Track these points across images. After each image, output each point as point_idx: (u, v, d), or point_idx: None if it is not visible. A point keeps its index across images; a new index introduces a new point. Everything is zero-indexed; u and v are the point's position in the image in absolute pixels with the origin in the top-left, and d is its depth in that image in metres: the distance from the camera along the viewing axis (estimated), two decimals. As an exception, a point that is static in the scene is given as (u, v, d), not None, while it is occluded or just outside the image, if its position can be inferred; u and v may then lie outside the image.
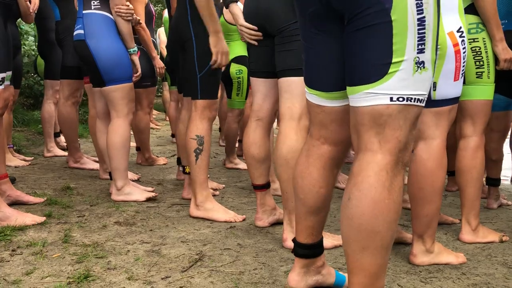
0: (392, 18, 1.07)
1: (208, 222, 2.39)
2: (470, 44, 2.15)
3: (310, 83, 1.37)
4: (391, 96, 1.10)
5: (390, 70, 1.09)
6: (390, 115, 1.11)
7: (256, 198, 2.33)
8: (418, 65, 1.09)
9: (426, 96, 1.15)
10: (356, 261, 1.17)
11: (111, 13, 2.71)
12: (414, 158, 1.89)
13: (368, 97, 1.12)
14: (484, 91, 2.16)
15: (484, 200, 2.85)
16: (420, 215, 1.86)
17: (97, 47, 2.66)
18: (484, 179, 2.60)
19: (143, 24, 3.68)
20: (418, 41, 1.09)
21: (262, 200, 2.31)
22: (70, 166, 3.75)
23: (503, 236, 2.24)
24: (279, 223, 2.33)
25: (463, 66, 1.80)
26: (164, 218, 2.46)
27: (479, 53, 2.15)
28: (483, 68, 2.15)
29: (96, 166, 3.69)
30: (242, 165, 3.96)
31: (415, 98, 1.11)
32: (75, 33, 2.76)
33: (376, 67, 1.10)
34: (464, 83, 1.90)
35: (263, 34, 2.14)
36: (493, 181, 2.87)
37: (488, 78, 2.16)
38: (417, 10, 1.07)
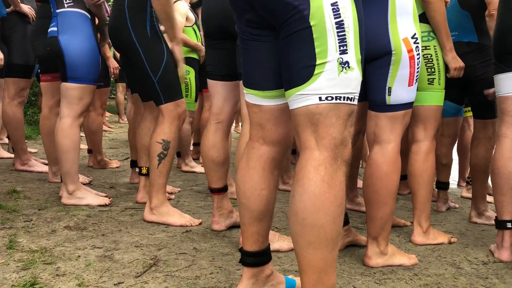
0: (311, 24, 1.15)
1: (163, 227, 2.34)
2: (422, 51, 2.21)
3: (247, 83, 1.42)
4: (320, 96, 1.16)
5: (315, 72, 1.16)
6: (321, 113, 1.17)
7: (213, 202, 2.30)
8: (343, 65, 1.16)
9: (357, 94, 1.20)
10: (304, 257, 1.20)
11: (85, 10, 2.65)
12: (369, 162, 1.92)
13: (300, 98, 1.19)
14: (435, 97, 2.24)
15: (434, 203, 2.94)
16: (374, 218, 1.90)
17: (68, 43, 2.57)
18: (434, 182, 2.68)
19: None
20: (339, 43, 1.16)
21: (220, 203, 2.29)
22: (17, 168, 3.58)
23: (452, 237, 2.32)
24: (235, 226, 2.31)
25: (417, 72, 1.85)
26: (117, 223, 2.38)
27: (430, 60, 2.23)
28: (435, 75, 2.23)
29: (45, 168, 3.54)
30: (198, 168, 3.92)
31: (344, 97, 1.17)
32: (49, 30, 2.68)
33: (303, 69, 1.17)
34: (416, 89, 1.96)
35: (224, 36, 2.13)
36: (443, 185, 2.98)
37: (439, 84, 2.24)
38: (334, 15, 1.15)
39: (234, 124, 6.98)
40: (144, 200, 2.68)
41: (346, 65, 1.16)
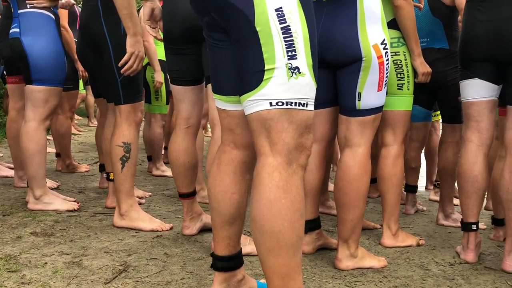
0: (257, 29, 1.15)
1: (133, 232, 2.30)
2: (392, 57, 2.26)
3: (214, 89, 1.42)
4: (270, 101, 1.17)
5: (265, 77, 1.16)
6: (272, 119, 1.17)
7: (183, 207, 2.28)
8: (292, 70, 1.16)
9: (311, 100, 1.20)
10: (266, 264, 1.20)
11: (49, 11, 2.59)
12: (340, 165, 1.95)
13: (252, 104, 1.19)
14: (404, 102, 2.28)
15: (403, 206, 3.00)
16: (345, 220, 1.92)
17: (31, 44, 2.51)
18: (402, 186, 2.74)
19: (66, 25, 3.51)
20: (286, 48, 1.15)
21: (190, 208, 2.28)
22: (-19, 173, 3.47)
23: (420, 240, 2.37)
24: (207, 230, 2.30)
25: (386, 77, 1.89)
26: (86, 228, 2.33)
27: (400, 66, 2.27)
28: (404, 80, 2.27)
29: (10, 173, 3.44)
30: (169, 172, 3.89)
31: (295, 102, 1.17)
32: (10, 31, 2.61)
33: (253, 75, 1.18)
34: (386, 94, 2.00)
35: (189, 41, 2.11)
36: (411, 188, 3.04)
37: (408, 90, 2.29)
38: (279, 20, 1.15)
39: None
40: (114, 205, 2.63)
41: (296, 70, 1.16)
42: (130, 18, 2.19)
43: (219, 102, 1.42)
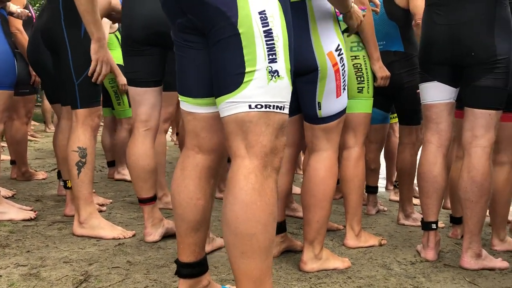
0: (240, 31, 1.15)
1: (94, 240, 2.24)
2: (352, 61, 2.30)
3: (181, 90, 1.40)
4: (250, 103, 1.16)
5: (245, 79, 1.16)
6: (251, 121, 1.17)
7: (144, 213, 2.24)
8: (272, 74, 1.17)
9: (287, 103, 1.21)
10: (238, 267, 1.19)
11: None
12: (308, 168, 1.97)
13: (230, 106, 1.18)
14: (364, 105, 2.32)
15: (364, 207, 3.05)
16: (311, 221, 1.93)
17: None
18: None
19: (20, 27, 3.39)
20: (268, 51, 1.16)
21: (150, 214, 2.23)
22: None
23: (382, 239, 2.41)
24: (170, 236, 2.26)
25: (344, 81, 1.91)
26: (43, 238, 2.25)
27: (360, 69, 2.31)
28: (364, 83, 2.31)
29: (-39, 182, 3.28)
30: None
31: (274, 105, 1.18)
32: None
33: (233, 77, 1.17)
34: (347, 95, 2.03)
35: (151, 43, 2.09)
36: (372, 189, 3.10)
37: (368, 93, 2.33)
38: (262, 23, 1.15)
39: (170, 131, 6.87)
40: (73, 213, 2.55)
41: (276, 74, 1.17)
42: (94, 24, 2.15)
43: (185, 104, 1.40)
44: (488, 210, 2.22)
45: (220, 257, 2.07)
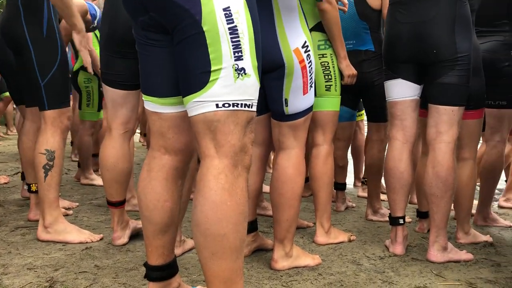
0: (204, 29, 1.13)
1: (59, 245, 2.18)
2: (319, 59, 2.32)
3: (145, 90, 1.38)
4: (217, 102, 1.15)
5: (211, 78, 1.15)
6: (219, 120, 1.16)
7: (114, 216, 2.19)
8: (239, 71, 1.15)
9: (255, 101, 1.21)
10: (209, 268, 1.18)
11: None
12: (275, 166, 1.97)
13: (197, 105, 1.17)
14: (332, 103, 2.34)
15: (333, 204, 3.08)
16: (281, 220, 1.94)
17: None
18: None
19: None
20: (233, 49, 1.15)
21: (121, 217, 2.19)
22: None
23: (351, 235, 2.44)
24: (139, 239, 2.23)
25: (311, 78, 1.92)
26: (6, 244, 2.17)
27: (327, 68, 2.33)
28: (331, 81, 2.33)
29: None
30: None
31: (241, 104, 1.17)
32: None
33: (199, 76, 1.15)
34: (315, 95, 2.04)
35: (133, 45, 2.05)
36: (340, 186, 3.13)
37: (336, 91, 2.35)
38: (227, 20, 1.14)
39: (138, 133, 6.77)
40: (37, 217, 2.48)
41: (242, 71, 1.15)
42: (73, 16, 2.10)
43: (149, 104, 1.37)
44: (452, 204, 2.28)
45: (190, 258, 2.05)
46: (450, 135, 2.09)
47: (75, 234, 2.24)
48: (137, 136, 7.29)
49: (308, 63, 1.88)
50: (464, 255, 2.16)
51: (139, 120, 3.17)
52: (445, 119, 2.08)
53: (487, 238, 2.48)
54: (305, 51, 1.86)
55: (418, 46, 2.08)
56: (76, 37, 2.15)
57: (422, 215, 2.62)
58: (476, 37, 2.34)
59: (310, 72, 1.89)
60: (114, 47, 2.08)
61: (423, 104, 2.27)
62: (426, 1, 2.05)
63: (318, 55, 2.31)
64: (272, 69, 1.86)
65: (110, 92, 2.14)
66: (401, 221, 2.24)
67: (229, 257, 1.17)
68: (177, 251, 2.02)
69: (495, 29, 2.42)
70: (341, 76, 2.38)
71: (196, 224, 1.17)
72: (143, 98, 1.40)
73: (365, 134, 3.44)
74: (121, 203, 2.18)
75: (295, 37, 1.85)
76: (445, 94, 2.07)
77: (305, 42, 1.87)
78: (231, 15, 1.14)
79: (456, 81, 2.05)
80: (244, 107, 1.17)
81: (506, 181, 4.17)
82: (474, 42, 2.27)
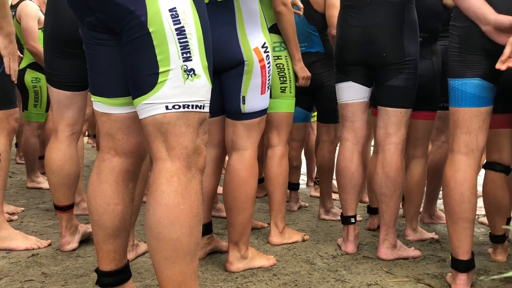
0: (150, 30, 1.12)
1: (3, 253, 2.07)
2: (274, 61, 2.34)
3: (94, 90, 1.35)
4: (166, 104, 1.14)
5: (159, 80, 1.14)
6: (169, 123, 1.15)
7: (62, 221, 2.11)
8: (188, 72, 1.15)
9: (207, 102, 1.20)
10: (162, 273, 1.16)
11: None
12: (228, 168, 1.96)
13: (147, 108, 1.16)
14: (287, 105, 2.37)
15: (287, 204, 3.11)
16: (235, 223, 1.93)
17: None
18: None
19: None
20: (181, 50, 1.14)
21: (69, 222, 2.12)
22: None
23: (305, 235, 2.48)
24: (90, 243, 2.16)
25: (269, 80, 1.93)
26: None
27: (282, 69, 2.35)
28: (286, 83, 2.36)
29: None
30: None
31: (192, 105, 1.16)
32: None
33: (147, 78, 1.14)
34: (270, 96, 2.05)
35: (79, 45, 1.98)
36: (294, 186, 3.17)
37: (290, 92, 2.38)
38: (173, 21, 1.13)
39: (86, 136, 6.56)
40: (-22, 224, 2.35)
41: (192, 72, 1.15)
42: (4, 18, 1.98)
43: (98, 105, 1.33)
44: (401, 203, 2.36)
45: (143, 262, 2.01)
46: (398, 137, 2.16)
47: (20, 241, 2.14)
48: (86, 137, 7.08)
49: (267, 63, 1.89)
50: (412, 252, 2.24)
51: (88, 122, 3.06)
52: (394, 120, 2.15)
53: (433, 235, 2.58)
54: (265, 51, 1.88)
55: (368, 49, 2.13)
56: (1, 41, 2.01)
57: (373, 211, 2.69)
58: (437, 42, 2.45)
59: (268, 73, 1.91)
60: (58, 47, 2.02)
61: (373, 103, 2.33)
62: (376, 5, 2.11)
63: (273, 57, 2.33)
64: (231, 67, 1.86)
65: (56, 93, 2.06)
66: (353, 220, 2.29)
67: (183, 261, 1.15)
68: (130, 255, 1.97)
69: (441, 34, 2.53)
70: (296, 78, 2.41)
71: (149, 228, 1.16)
72: (92, 99, 1.36)
73: (317, 134, 3.50)
74: (69, 207, 2.11)
75: (255, 37, 1.86)
76: (394, 97, 2.14)
77: (265, 43, 1.89)
78: (178, 16, 1.13)
79: (404, 84, 2.12)
80: (195, 108, 1.16)
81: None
82: (435, 48, 2.38)
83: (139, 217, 2.00)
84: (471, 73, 1.68)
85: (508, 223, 2.37)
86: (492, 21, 1.52)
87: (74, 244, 2.14)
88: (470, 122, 1.70)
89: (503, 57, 1.48)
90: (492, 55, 1.55)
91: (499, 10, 1.53)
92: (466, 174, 1.72)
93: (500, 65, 1.48)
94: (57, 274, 1.86)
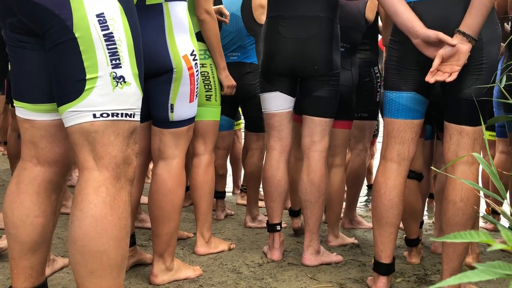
0: (76, 35, 1.08)
1: None
2: (200, 68, 2.31)
3: (16, 95, 1.27)
4: (94, 112, 1.11)
5: (86, 87, 1.10)
6: (97, 131, 1.11)
7: None
8: (117, 80, 1.12)
9: (137, 110, 1.17)
10: (87, 287, 1.11)
11: None
12: (154, 178, 1.90)
13: (73, 115, 1.11)
14: (212, 113, 2.36)
15: (213, 212, 3.09)
16: (161, 234, 1.88)
17: None
18: (213, 193, 2.82)
19: None
20: (110, 56, 1.11)
21: None
22: None
23: (231, 244, 2.47)
24: (1, 260, 2.00)
25: (197, 87, 1.91)
26: None
27: (207, 77, 2.34)
28: (211, 91, 2.35)
29: None
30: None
31: (122, 113, 1.13)
32: None
33: (73, 84, 1.10)
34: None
35: None
36: (220, 194, 3.16)
37: (216, 101, 2.37)
38: (101, 27, 1.10)
39: None
40: None
41: (121, 79, 1.11)
42: None
43: (21, 111, 1.25)
44: (324, 209, 2.43)
45: (61, 278, 1.90)
46: (323, 145, 2.23)
47: None
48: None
49: (196, 71, 1.87)
50: (335, 257, 2.32)
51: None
52: (319, 129, 2.22)
53: (353, 240, 2.69)
54: (193, 59, 1.86)
55: (299, 61, 2.17)
56: None
57: (294, 213, 2.75)
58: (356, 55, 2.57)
59: (197, 81, 1.88)
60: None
61: (297, 111, 2.38)
62: (308, 18, 2.15)
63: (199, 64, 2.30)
64: (159, 74, 1.81)
65: None
66: (278, 227, 2.32)
67: (109, 275, 1.11)
68: (47, 271, 1.85)
69: (359, 48, 2.66)
70: (221, 86, 2.40)
71: (73, 241, 1.10)
72: (14, 104, 1.28)
73: (243, 142, 3.52)
74: None
75: (184, 43, 1.83)
76: (320, 107, 2.21)
77: (193, 51, 1.86)
78: (106, 21, 1.09)
79: (329, 95, 2.20)
80: (125, 116, 1.13)
81: (368, 186, 4.60)
82: (354, 59, 2.49)
83: (56, 229, 1.87)
84: (407, 86, 1.76)
85: (421, 227, 2.53)
86: (421, 34, 1.60)
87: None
88: (404, 133, 1.78)
89: (431, 69, 1.56)
90: (426, 69, 1.62)
91: (426, 24, 1.61)
92: (396, 182, 1.80)
93: (429, 78, 1.57)
94: (-39, 295, 1.70)
